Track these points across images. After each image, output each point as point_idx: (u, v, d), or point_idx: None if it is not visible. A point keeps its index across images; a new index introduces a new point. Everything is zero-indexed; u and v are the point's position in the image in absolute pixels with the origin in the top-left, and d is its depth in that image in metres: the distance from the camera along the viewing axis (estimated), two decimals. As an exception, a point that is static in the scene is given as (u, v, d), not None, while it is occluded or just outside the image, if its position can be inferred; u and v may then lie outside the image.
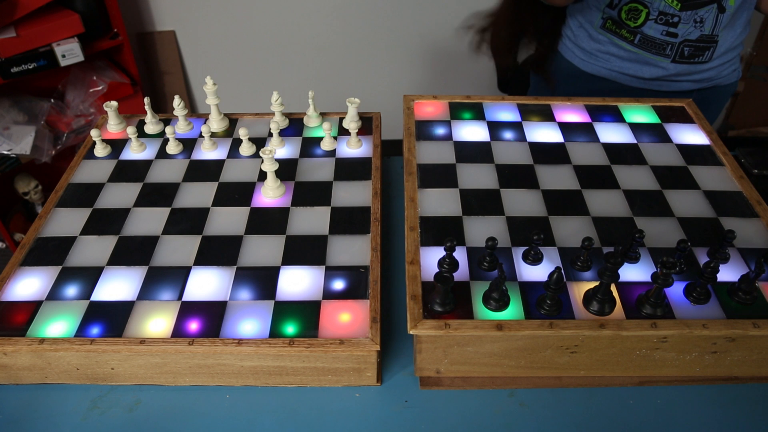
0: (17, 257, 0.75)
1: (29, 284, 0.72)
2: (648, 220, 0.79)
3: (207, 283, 0.71)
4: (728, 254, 0.73)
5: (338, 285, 0.71)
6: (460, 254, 0.72)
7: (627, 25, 1.11)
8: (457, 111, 0.99)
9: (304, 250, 0.76)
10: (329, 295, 0.70)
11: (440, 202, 0.80)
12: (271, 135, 0.94)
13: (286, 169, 0.88)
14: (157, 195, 0.85)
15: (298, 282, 0.71)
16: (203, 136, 0.92)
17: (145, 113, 0.97)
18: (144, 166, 0.90)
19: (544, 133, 0.94)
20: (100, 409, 0.67)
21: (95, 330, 0.66)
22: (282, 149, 0.93)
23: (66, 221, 0.81)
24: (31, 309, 0.69)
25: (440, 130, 0.94)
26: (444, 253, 0.68)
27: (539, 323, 0.64)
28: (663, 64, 1.13)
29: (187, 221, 0.80)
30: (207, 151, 0.93)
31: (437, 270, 0.69)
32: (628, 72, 1.17)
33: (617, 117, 0.98)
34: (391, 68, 2.33)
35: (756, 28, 2.24)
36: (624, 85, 1.19)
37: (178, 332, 0.66)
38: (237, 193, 0.85)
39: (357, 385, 0.70)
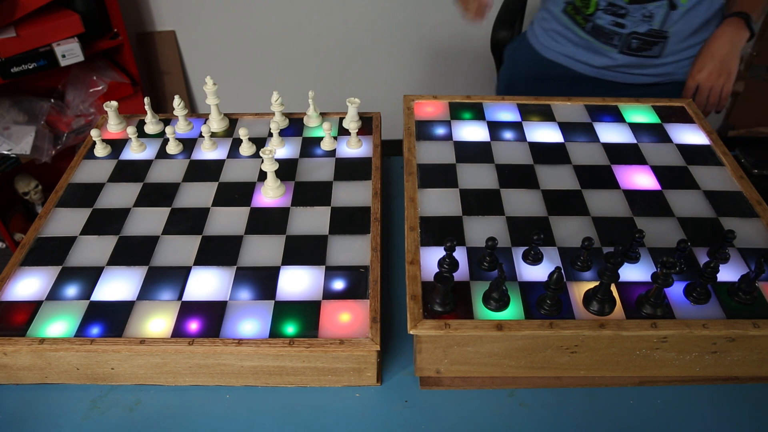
0: (17, 257, 0.75)
1: (29, 284, 0.72)
2: (648, 220, 0.79)
3: (207, 283, 0.71)
4: (728, 254, 0.73)
5: (338, 285, 0.71)
6: (460, 254, 0.72)
7: (582, 11, 1.14)
8: (457, 111, 0.99)
9: (304, 250, 0.76)
10: (329, 295, 0.70)
11: (440, 202, 0.80)
12: (271, 135, 0.94)
13: (286, 169, 0.88)
14: (157, 195, 0.85)
15: (298, 282, 0.71)
16: (203, 136, 0.92)
17: (145, 113, 0.97)
18: (144, 166, 0.90)
19: (544, 133, 0.94)
20: (100, 409, 0.67)
21: (95, 330, 0.66)
22: (282, 149, 0.93)
23: (66, 221, 0.81)
24: (31, 309, 0.69)
25: (440, 130, 0.94)
26: (444, 253, 0.68)
27: (539, 323, 0.64)
28: (611, 54, 1.15)
29: (187, 221, 0.80)
30: (207, 151, 0.93)
31: (437, 270, 0.69)
32: (581, 59, 1.20)
33: (617, 117, 0.98)
34: (391, 68, 2.33)
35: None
36: (578, 72, 1.22)
37: (178, 332, 0.66)
38: (237, 193, 0.85)
39: (357, 385, 0.70)
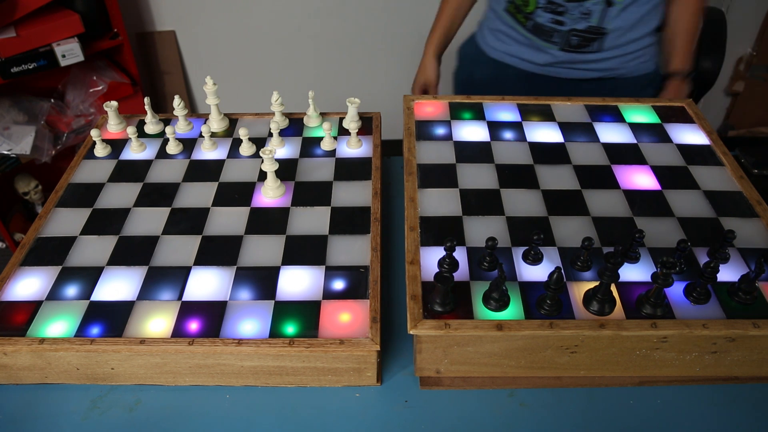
0: (17, 257, 0.75)
1: (29, 284, 0.72)
2: (648, 220, 0.79)
3: (207, 283, 0.71)
4: (728, 254, 0.73)
5: (338, 285, 0.71)
6: (460, 254, 0.72)
7: (522, 10, 1.15)
8: (457, 111, 0.99)
9: (304, 250, 0.76)
10: (329, 295, 0.70)
11: (440, 202, 0.80)
12: (271, 135, 0.94)
13: (286, 169, 0.88)
14: (157, 195, 0.85)
15: (298, 282, 0.71)
16: (203, 136, 0.92)
17: (145, 113, 0.97)
18: (144, 166, 0.90)
19: (544, 133, 0.94)
20: (100, 409, 0.67)
21: (95, 330, 0.66)
22: (282, 149, 0.93)
23: (66, 221, 0.81)
24: (31, 309, 0.69)
25: (440, 130, 0.94)
26: (444, 253, 0.68)
27: (539, 323, 0.64)
28: (552, 51, 1.16)
29: (187, 221, 0.80)
30: (207, 151, 0.93)
31: (437, 270, 0.69)
32: (525, 57, 1.21)
33: (617, 117, 0.98)
34: (391, 68, 2.33)
35: (756, 28, 2.24)
36: (525, 70, 1.23)
37: (178, 332, 0.66)
38: (237, 193, 0.85)
39: (357, 385, 0.70)
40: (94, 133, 0.91)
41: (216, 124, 0.97)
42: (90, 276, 0.73)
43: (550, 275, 0.63)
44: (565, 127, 0.95)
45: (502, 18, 1.22)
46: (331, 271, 0.73)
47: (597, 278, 0.70)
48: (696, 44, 1.17)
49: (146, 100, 0.95)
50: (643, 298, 0.66)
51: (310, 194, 0.84)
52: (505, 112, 0.99)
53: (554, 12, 1.10)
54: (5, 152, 1.78)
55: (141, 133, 0.97)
